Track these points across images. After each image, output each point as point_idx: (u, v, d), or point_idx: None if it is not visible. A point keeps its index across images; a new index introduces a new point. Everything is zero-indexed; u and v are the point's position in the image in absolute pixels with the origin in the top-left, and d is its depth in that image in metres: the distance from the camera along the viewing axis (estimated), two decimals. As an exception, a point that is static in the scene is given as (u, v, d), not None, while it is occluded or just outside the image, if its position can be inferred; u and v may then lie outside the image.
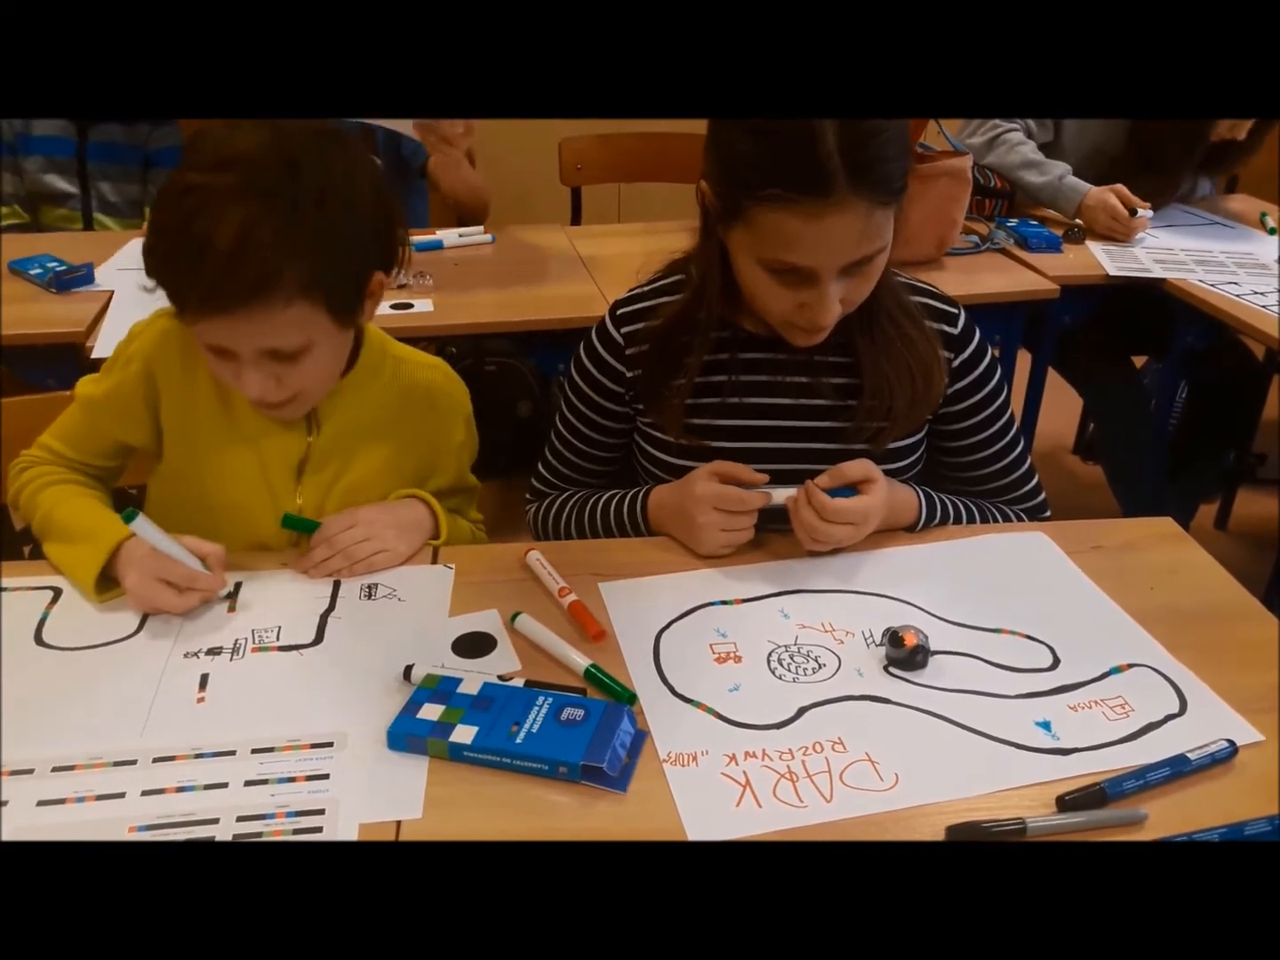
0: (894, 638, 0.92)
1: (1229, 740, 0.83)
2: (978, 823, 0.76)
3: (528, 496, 1.31)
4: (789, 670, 0.92)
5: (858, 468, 1.05)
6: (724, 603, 1.02)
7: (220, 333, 0.94)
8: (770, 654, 0.95)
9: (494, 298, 1.84)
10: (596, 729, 0.82)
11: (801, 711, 0.88)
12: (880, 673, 0.92)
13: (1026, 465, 1.23)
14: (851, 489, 1.05)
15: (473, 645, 0.95)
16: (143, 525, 0.96)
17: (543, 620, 0.97)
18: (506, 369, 2.73)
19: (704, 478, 1.07)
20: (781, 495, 1.06)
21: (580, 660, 0.92)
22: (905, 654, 0.91)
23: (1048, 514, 1.23)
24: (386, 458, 1.14)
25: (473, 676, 0.88)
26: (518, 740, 0.81)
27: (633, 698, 0.89)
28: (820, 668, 0.93)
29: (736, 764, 0.82)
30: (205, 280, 0.88)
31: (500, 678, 0.89)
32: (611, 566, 1.07)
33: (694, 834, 0.76)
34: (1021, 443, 1.22)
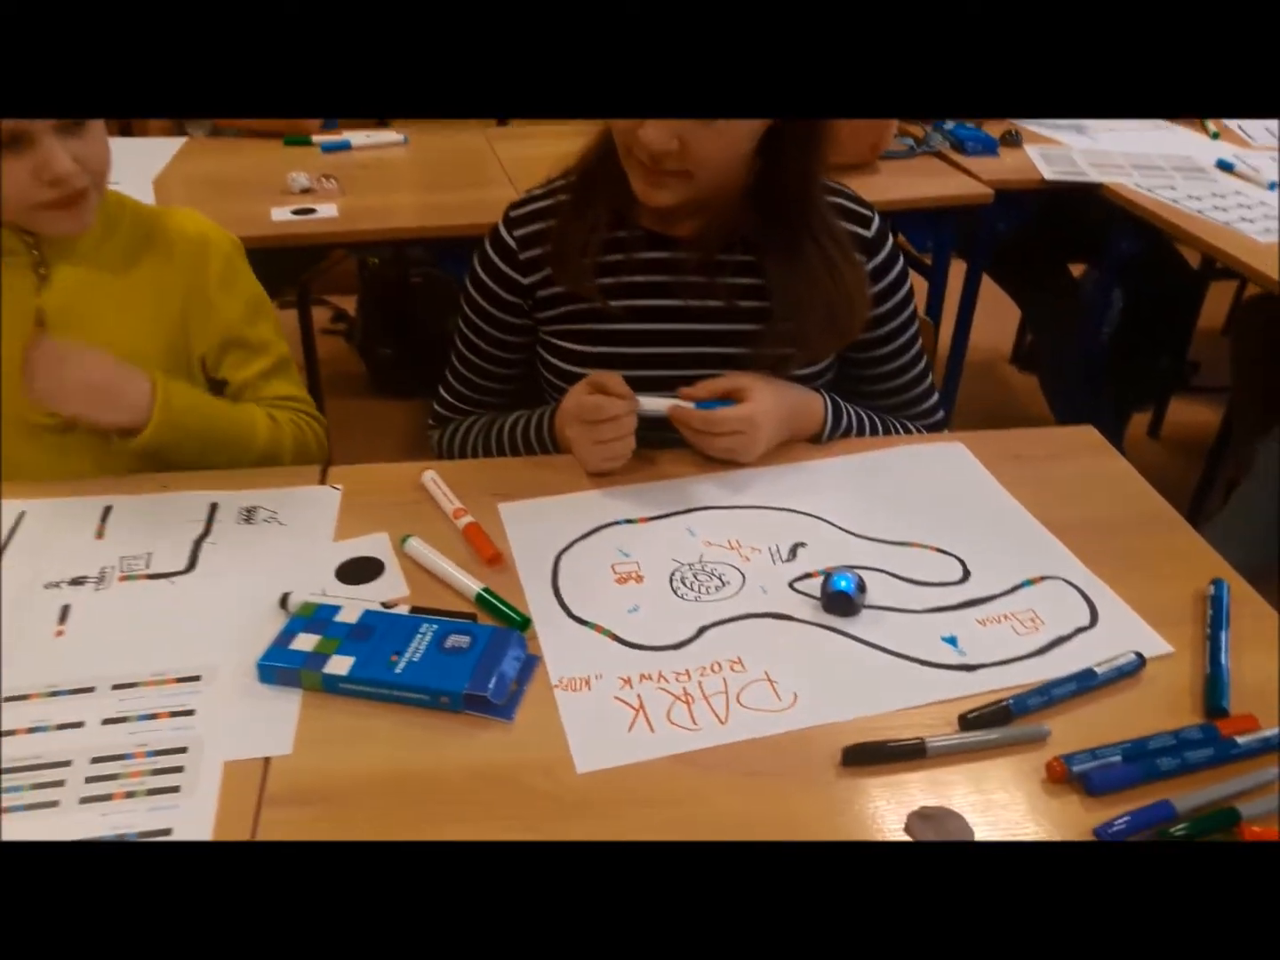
0: (834, 597, 0.86)
1: (1137, 653, 0.81)
2: (876, 743, 0.73)
3: (430, 423, 1.24)
4: (691, 589, 0.88)
5: (724, 381, 1.01)
6: (628, 521, 0.97)
7: None
8: (673, 573, 0.90)
9: (405, 202, 1.74)
10: (482, 656, 0.77)
11: (701, 631, 0.84)
12: (785, 589, 0.88)
13: (929, 380, 1.19)
14: (727, 400, 1.00)
15: (358, 571, 0.90)
16: None
17: (435, 544, 0.91)
18: (432, 280, 2.61)
19: (575, 391, 1.01)
20: (651, 403, 1.00)
21: (472, 585, 0.87)
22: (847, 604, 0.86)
23: (946, 430, 1.20)
24: (138, 312, 1.07)
25: (353, 604, 0.83)
26: (397, 670, 0.76)
27: (526, 622, 0.84)
28: (724, 585, 0.89)
29: (631, 687, 0.78)
30: None
31: (384, 605, 0.84)
32: (513, 486, 1.02)
33: (581, 762, 0.72)
34: (925, 357, 1.18)
